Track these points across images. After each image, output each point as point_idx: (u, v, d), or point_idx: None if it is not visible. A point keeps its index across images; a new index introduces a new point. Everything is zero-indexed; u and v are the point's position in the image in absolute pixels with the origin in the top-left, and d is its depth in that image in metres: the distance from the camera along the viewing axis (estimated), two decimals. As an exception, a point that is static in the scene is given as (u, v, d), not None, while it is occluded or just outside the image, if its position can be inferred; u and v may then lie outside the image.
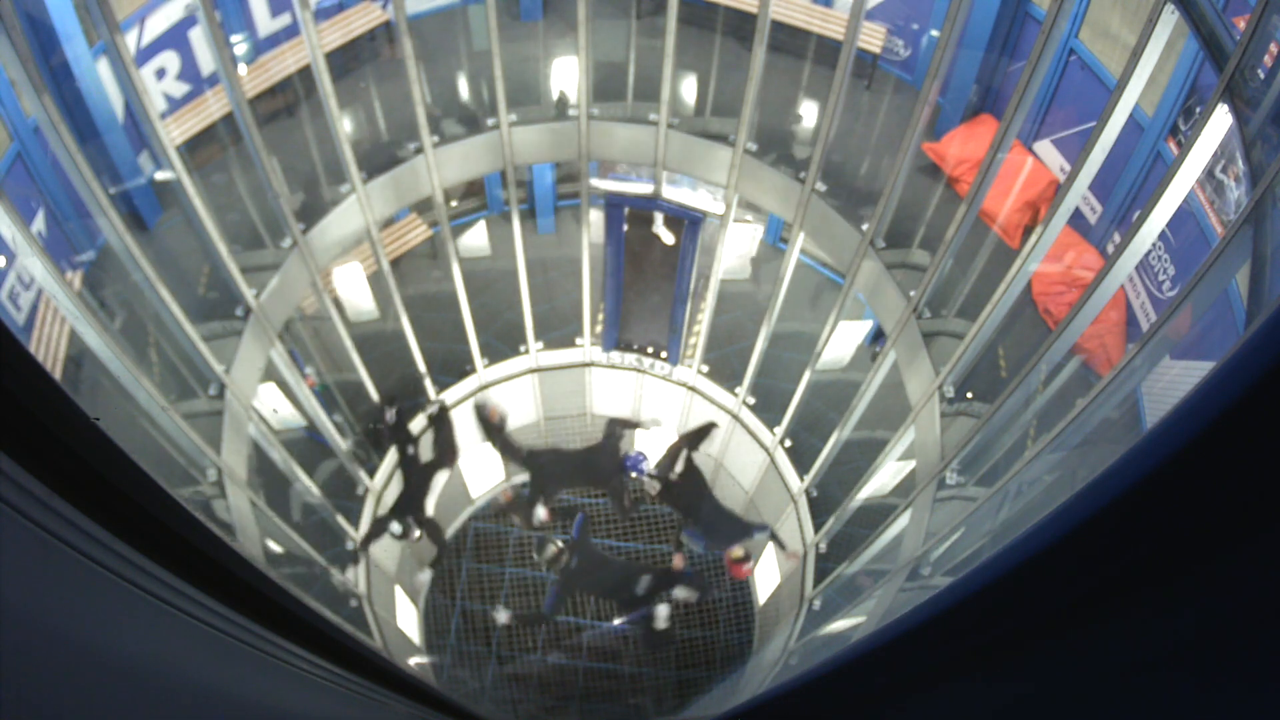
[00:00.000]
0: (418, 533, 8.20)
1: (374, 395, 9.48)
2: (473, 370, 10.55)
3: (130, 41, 8.13)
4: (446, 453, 8.53)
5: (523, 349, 10.75)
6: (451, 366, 10.44)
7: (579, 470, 8.50)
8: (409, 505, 8.24)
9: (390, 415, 8.44)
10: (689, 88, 9.36)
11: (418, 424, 9.61)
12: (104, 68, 7.33)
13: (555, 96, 8.97)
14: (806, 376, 9.39)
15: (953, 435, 6.74)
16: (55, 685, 0.86)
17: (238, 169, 8.09)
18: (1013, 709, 1.19)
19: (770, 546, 8.95)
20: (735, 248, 11.08)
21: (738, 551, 8.19)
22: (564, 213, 12.08)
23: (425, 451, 8.66)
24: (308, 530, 8.03)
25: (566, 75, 9.04)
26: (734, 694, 8.77)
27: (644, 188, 9.12)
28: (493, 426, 8.25)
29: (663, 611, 8.19)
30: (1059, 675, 1.07)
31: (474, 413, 8.46)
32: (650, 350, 10.87)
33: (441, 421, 8.62)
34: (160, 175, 7.31)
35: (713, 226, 9.31)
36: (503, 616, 8.07)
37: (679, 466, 8.21)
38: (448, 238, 9.03)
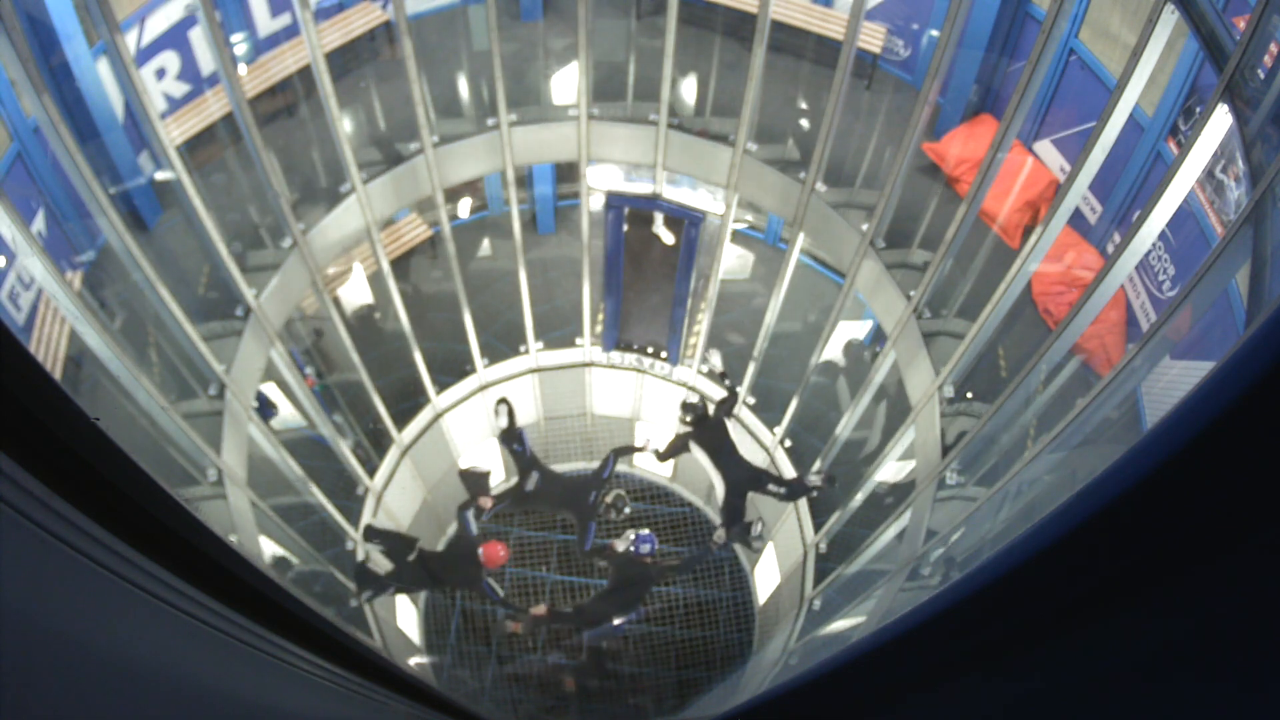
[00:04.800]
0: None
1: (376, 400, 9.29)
2: (473, 370, 10.55)
3: (130, 41, 8.12)
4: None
5: (523, 349, 10.75)
6: (451, 366, 10.43)
7: (563, 497, 8.21)
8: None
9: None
10: (689, 88, 9.35)
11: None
12: (104, 68, 7.32)
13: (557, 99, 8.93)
14: (806, 376, 9.39)
15: (953, 435, 6.74)
16: (55, 685, 0.86)
17: (238, 169, 8.09)
18: (1012, 709, 1.19)
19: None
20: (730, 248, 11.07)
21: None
22: (564, 212, 12.08)
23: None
24: (308, 530, 8.03)
25: (567, 75, 9.05)
26: (734, 694, 8.76)
27: (644, 188, 9.11)
28: (512, 427, 8.01)
29: None
30: (1059, 675, 1.07)
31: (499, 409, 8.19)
32: (650, 350, 10.87)
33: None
34: (160, 175, 7.31)
35: (713, 226, 9.30)
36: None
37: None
38: (448, 237, 9.03)
